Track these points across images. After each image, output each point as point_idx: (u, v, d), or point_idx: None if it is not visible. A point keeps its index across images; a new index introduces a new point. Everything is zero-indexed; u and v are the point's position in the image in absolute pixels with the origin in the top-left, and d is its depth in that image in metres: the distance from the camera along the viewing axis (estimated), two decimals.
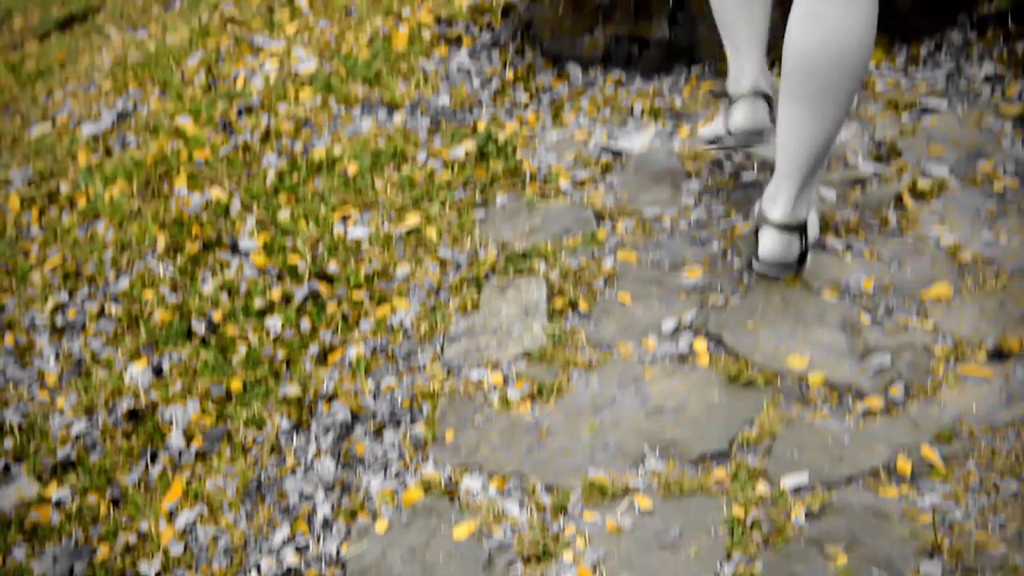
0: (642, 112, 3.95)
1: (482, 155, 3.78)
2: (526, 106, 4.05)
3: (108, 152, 4.09)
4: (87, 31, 5.04)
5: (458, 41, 4.28)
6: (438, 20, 4.36)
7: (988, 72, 3.89)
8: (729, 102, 3.46)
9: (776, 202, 3.08)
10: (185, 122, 4.06)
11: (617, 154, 3.75)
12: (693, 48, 4.16)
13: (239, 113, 4.09)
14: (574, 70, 4.19)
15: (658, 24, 4.16)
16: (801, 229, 3.10)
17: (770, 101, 3.38)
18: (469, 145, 3.80)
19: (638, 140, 3.80)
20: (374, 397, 3.03)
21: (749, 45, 3.37)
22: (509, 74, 4.16)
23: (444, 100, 4.04)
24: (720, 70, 4.11)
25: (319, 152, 3.83)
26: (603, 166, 3.71)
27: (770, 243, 3.11)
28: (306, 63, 4.25)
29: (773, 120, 3.35)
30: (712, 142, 3.60)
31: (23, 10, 5.52)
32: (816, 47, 2.89)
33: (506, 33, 4.29)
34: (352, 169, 3.75)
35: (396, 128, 3.92)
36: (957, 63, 3.97)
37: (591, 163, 3.72)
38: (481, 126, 3.90)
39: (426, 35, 4.28)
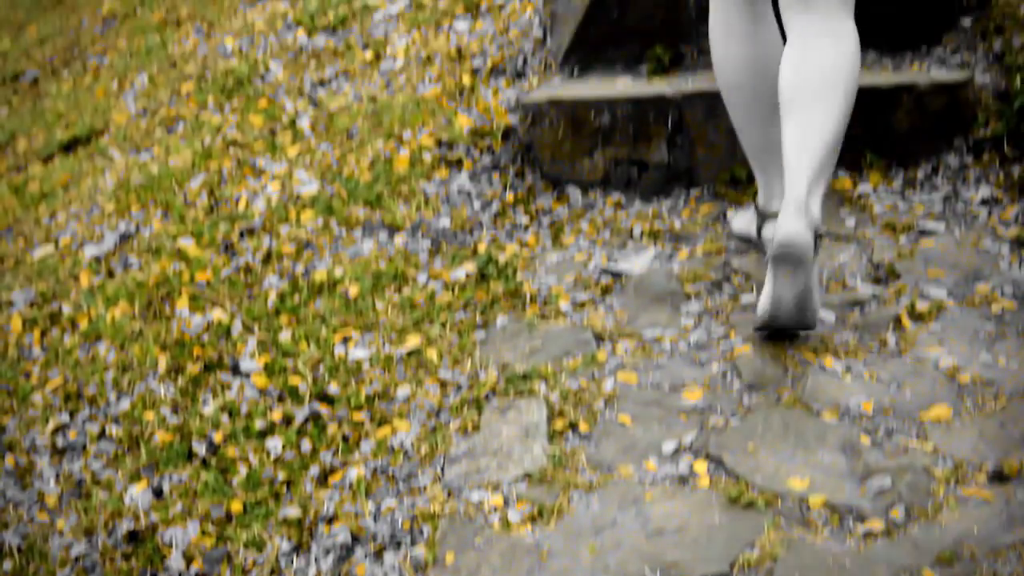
0: (642, 234, 3.98)
1: (483, 277, 3.80)
2: (526, 228, 4.08)
3: (110, 274, 4.11)
4: (91, 154, 5.09)
5: (459, 164, 4.32)
6: (439, 143, 4.40)
7: (985, 195, 3.92)
8: (758, 214, 3.68)
9: (792, 188, 3.25)
10: (187, 244, 4.09)
11: (617, 276, 3.77)
12: (692, 171, 4.20)
13: (241, 235, 4.12)
14: (574, 192, 4.23)
15: (657, 147, 4.21)
16: (816, 227, 3.26)
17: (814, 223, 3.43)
18: (470, 267, 3.82)
19: (638, 262, 3.83)
20: (374, 519, 3.02)
21: (776, 168, 3.56)
22: (509, 196, 4.19)
23: (445, 222, 4.07)
24: (719, 192, 4.15)
25: (320, 274, 3.85)
26: (603, 288, 3.73)
27: (789, 222, 3.22)
28: (308, 185, 4.28)
29: None
30: (743, 239, 3.84)
31: (27, 133, 5.58)
32: (812, 75, 3.30)
33: (506, 156, 4.34)
34: (353, 291, 3.77)
35: (397, 250, 3.95)
36: (954, 186, 4.01)
37: (591, 285, 3.74)
38: (482, 248, 3.93)
39: (427, 158, 4.32)
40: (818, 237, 3.28)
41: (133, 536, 3.12)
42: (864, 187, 4.04)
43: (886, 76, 4.19)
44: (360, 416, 3.32)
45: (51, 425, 3.52)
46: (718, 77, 3.63)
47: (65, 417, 3.55)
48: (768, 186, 3.65)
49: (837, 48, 3.33)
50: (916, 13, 4.37)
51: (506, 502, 2.99)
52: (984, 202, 3.91)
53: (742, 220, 3.86)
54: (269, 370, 3.52)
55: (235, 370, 3.57)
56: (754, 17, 3.54)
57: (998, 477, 2.90)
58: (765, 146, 3.60)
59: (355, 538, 2.98)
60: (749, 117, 3.61)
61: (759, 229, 3.67)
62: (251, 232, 4.13)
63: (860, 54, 3.36)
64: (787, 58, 3.35)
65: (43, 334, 3.91)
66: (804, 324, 3.30)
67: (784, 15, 3.44)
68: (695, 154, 4.20)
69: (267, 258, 4.00)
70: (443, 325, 3.62)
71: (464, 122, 4.42)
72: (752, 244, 3.78)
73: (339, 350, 3.55)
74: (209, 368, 3.59)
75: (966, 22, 4.41)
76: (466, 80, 4.65)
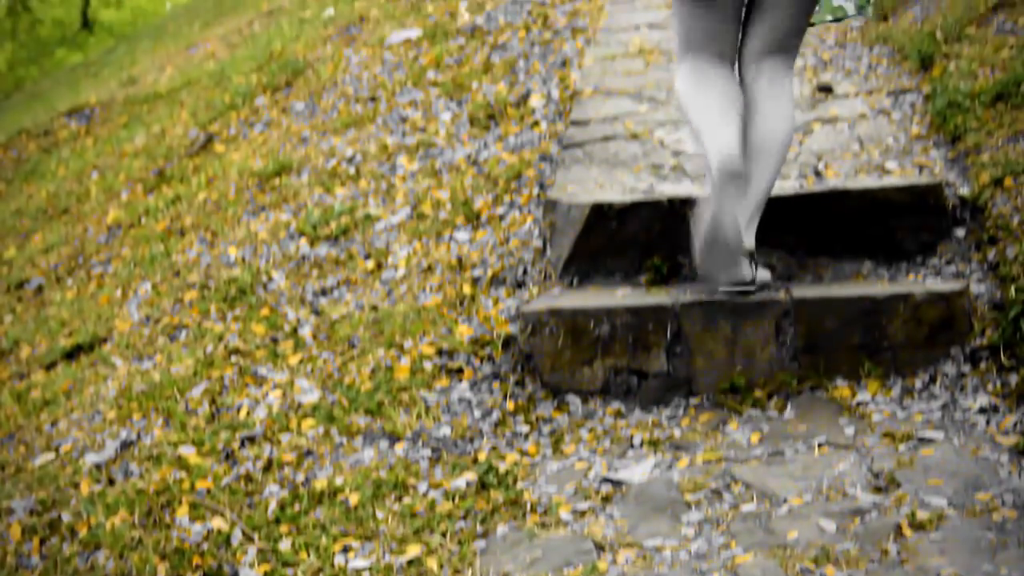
0: (642, 443, 3.99)
1: (483, 486, 3.80)
2: (526, 437, 4.09)
3: (111, 481, 4.11)
4: (93, 361, 5.12)
5: (460, 373, 4.35)
6: (440, 352, 4.44)
7: (983, 404, 3.94)
8: None
9: None
10: (188, 452, 4.10)
11: (617, 484, 3.77)
12: (691, 380, 4.23)
13: (242, 443, 4.13)
14: (574, 401, 4.25)
15: (656, 357, 4.24)
16: (752, 256, 4.17)
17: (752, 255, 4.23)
18: (470, 476, 3.83)
19: (638, 471, 3.83)
20: None
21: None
22: (510, 405, 4.21)
23: (445, 431, 4.08)
24: (718, 401, 4.17)
25: (321, 483, 3.85)
26: (603, 497, 3.73)
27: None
28: (309, 394, 4.31)
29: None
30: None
31: (31, 340, 5.62)
32: (756, 142, 4.17)
33: (507, 365, 4.37)
34: (354, 500, 3.77)
35: (398, 459, 3.95)
36: (952, 395, 4.03)
37: (591, 494, 3.74)
38: (482, 457, 3.93)
39: (428, 367, 4.36)
40: (751, 256, 4.17)
41: None
42: (863, 395, 4.07)
43: (882, 287, 4.25)
44: None
45: None
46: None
47: None
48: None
49: (777, 111, 4.19)
50: (910, 227, 4.45)
51: None
52: (982, 410, 3.92)
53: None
54: None
55: None
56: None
57: None
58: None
59: None
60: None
61: None
62: (252, 440, 4.14)
63: (793, 108, 4.29)
64: (748, 117, 4.20)
65: (42, 542, 3.89)
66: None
67: (744, 68, 4.27)
68: (694, 363, 4.23)
69: (268, 466, 4.00)
70: (443, 534, 3.61)
71: (465, 331, 4.46)
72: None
73: (339, 559, 3.54)
74: None
75: (960, 232, 4.48)
76: (467, 290, 4.71)
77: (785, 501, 3.56)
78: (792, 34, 4.21)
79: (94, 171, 7.78)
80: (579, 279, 4.61)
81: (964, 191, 4.56)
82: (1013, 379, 3.98)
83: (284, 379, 4.43)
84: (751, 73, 4.25)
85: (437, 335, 4.51)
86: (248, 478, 3.96)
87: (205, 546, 3.68)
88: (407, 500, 3.76)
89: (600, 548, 3.49)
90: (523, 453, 4.00)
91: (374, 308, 4.76)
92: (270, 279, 5.17)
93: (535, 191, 5.22)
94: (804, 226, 4.51)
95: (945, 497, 3.52)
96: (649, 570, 3.38)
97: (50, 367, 5.29)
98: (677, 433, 4.04)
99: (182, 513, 3.82)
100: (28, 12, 24.28)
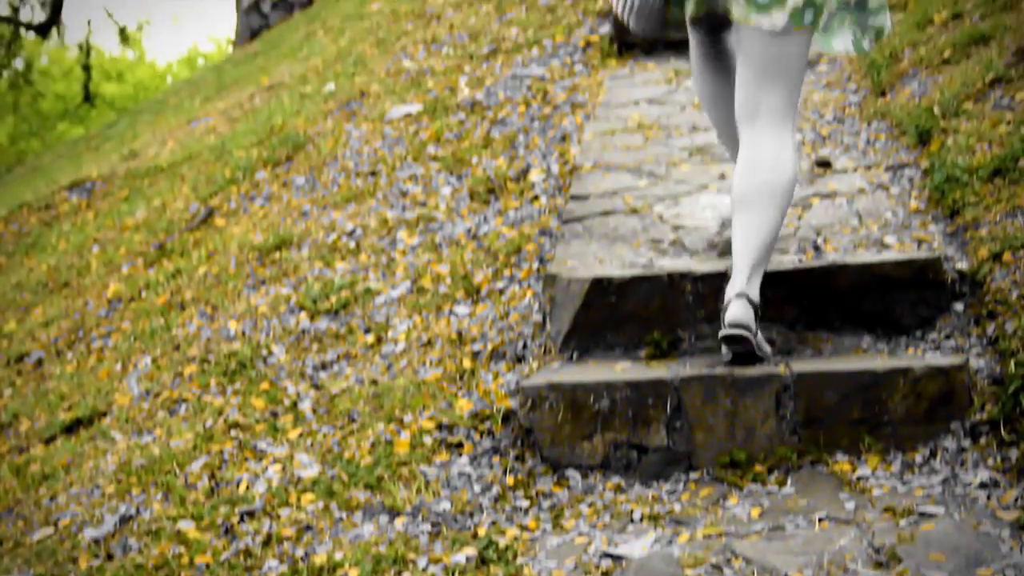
0: (642, 518, 3.98)
1: (483, 561, 3.79)
2: (526, 511, 4.09)
3: (109, 557, 4.10)
4: (92, 435, 5.12)
5: (459, 447, 4.35)
6: (440, 427, 4.44)
7: (984, 479, 3.94)
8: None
9: (734, 284, 4.22)
10: (187, 527, 4.09)
11: (618, 559, 3.76)
12: (691, 454, 4.23)
13: (241, 518, 4.12)
14: (574, 476, 4.25)
15: (656, 431, 4.24)
16: (754, 306, 4.21)
17: (753, 304, 4.26)
18: (470, 551, 3.81)
19: (638, 546, 3.82)
20: None
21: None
22: (510, 480, 4.21)
23: (445, 505, 4.07)
24: (718, 476, 4.17)
25: (320, 558, 3.84)
26: (604, 572, 3.71)
27: (734, 309, 4.18)
28: (309, 468, 4.30)
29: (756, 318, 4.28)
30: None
31: (30, 414, 5.61)
32: (754, 187, 4.27)
33: (507, 439, 4.37)
34: (353, 575, 3.75)
35: (397, 534, 3.94)
36: (952, 469, 4.02)
37: (592, 569, 3.73)
38: (482, 532, 3.92)
39: (428, 441, 4.35)
40: (755, 307, 4.21)
41: None
42: (863, 470, 4.06)
43: (882, 361, 4.26)
44: None
45: None
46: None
47: None
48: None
49: (776, 160, 4.28)
50: (909, 302, 4.46)
51: None
52: (983, 485, 3.92)
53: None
54: None
55: None
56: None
57: None
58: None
59: None
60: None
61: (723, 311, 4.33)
62: (251, 515, 4.13)
63: (797, 162, 4.35)
64: (738, 168, 4.34)
65: None
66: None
67: (738, 124, 4.41)
68: (694, 437, 4.23)
69: (267, 541, 3.99)
70: None
71: (465, 406, 4.46)
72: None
73: None
74: None
75: (959, 307, 4.49)
76: (467, 364, 4.72)
77: None
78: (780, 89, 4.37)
79: (95, 245, 7.81)
80: (579, 353, 4.62)
81: (963, 266, 4.58)
82: (1013, 454, 3.98)
83: (284, 453, 4.43)
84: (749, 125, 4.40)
85: (437, 409, 4.51)
86: (247, 553, 3.95)
87: None
88: (407, 575, 3.75)
89: None
90: (523, 528, 3.99)
91: (374, 382, 4.77)
92: (270, 353, 5.18)
93: (535, 265, 5.24)
94: (803, 300, 4.52)
95: (946, 572, 3.51)
96: None
97: (49, 441, 5.28)
98: (677, 508, 4.03)
99: None
100: (30, 86, 24.44)
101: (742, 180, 4.31)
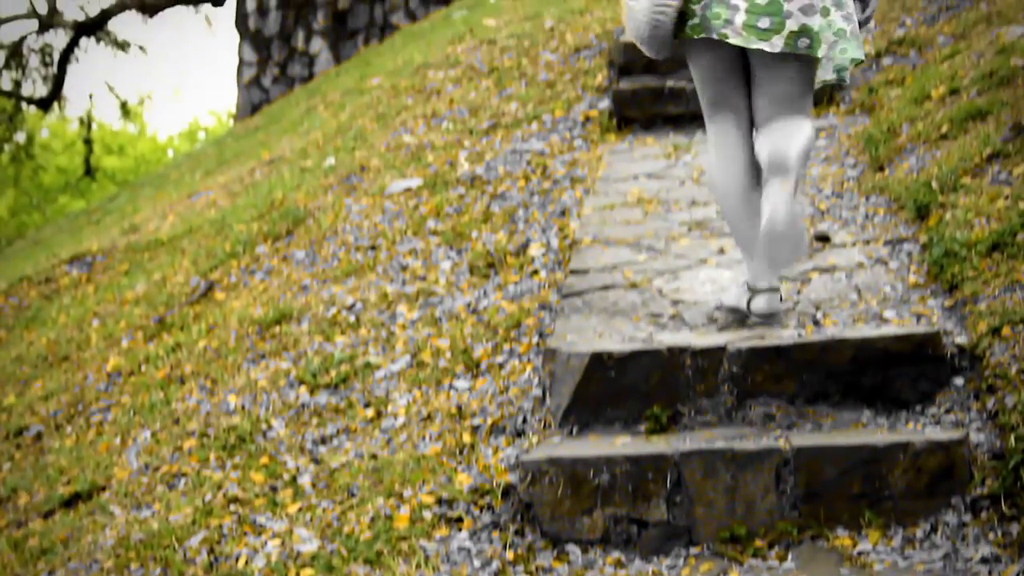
0: None
1: None
2: None
3: None
4: (91, 509, 5.11)
5: (459, 522, 4.34)
6: (439, 501, 4.43)
7: (985, 554, 3.92)
8: (749, 290, 4.84)
9: (762, 278, 4.76)
10: None
11: None
12: (691, 529, 4.22)
13: None
14: (574, 551, 4.23)
15: (656, 506, 4.23)
16: (778, 291, 4.78)
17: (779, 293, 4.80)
18: None
19: None
20: None
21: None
22: (509, 554, 4.19)
23: None
24: (718, 551, 4.15)
25: None
26: None
27: (763, 302, 4.77)
28: (308, 543, 4.29)
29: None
30: (732, 311, 4.92)
31: (29, 488, 5.60)
32: (776, 156, 4.58)
33: (506, 514, 4.36)
34: None
35: None
36: (953, 544, 4.01)
37: None
38: None
39: (427, 516, 4.34)
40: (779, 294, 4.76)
41: None
42: (864, 545, 4.05)
43: (882, 436, 4.25)
44: None
45: None
46: (718, 193, 4.84)
47: None
48: (753, 269, 4.80)
49: (791, 140, 4.58)
50: (909, 376, 4.47)
51: None
52: (984, 560, 3.91)
53: (732, 295, 4.93)
54: None
55: None
56: (744, 149, 4.78)
57: None
58: (750, 238, 4.78)
59: None
60: (739, 217, 4.80)
61: (748, 302, 4.83)
62: None
63: (814, 138, 4.66)
64: (761, 145, 4.65)
65: None
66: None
67: (758, 125, 4.72)
68: (694, 512, 4.22)
69: None
70: None
71: (464, 480, 4.46)
72: (739, 314, 4.89)
73: None
74: None
75: (959, 381, 4.49)
76: (466, 438, 4.72)
77: None
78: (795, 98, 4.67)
79: (95, 318, 7.81)
80: (579, 427, 4.62)
81: (962, 340, 4.59)
82: (1015, 529, 3.97)
83: (283, 528, 4.42)
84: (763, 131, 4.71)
85: (437, 484, 4.50)
86: None
87: None
88: None
89: None
90: None
91: (374, 456, 4.76)
92: (269, 427, 5.18)
93: (535, 340, 5.25)
94: (803, 374, 4.52)
95: None
96: None
97: (48, 515, 5.27)
98: None
99: None
100: (32, 159, 24.53)
101: (769, 152, 4.62)
